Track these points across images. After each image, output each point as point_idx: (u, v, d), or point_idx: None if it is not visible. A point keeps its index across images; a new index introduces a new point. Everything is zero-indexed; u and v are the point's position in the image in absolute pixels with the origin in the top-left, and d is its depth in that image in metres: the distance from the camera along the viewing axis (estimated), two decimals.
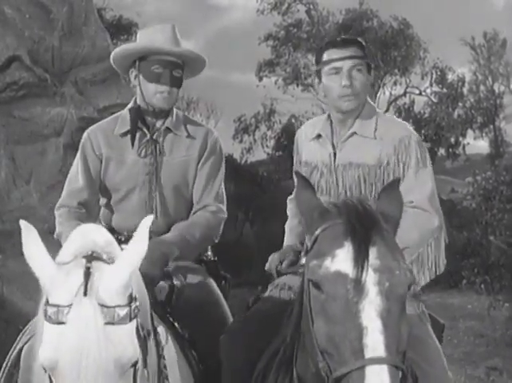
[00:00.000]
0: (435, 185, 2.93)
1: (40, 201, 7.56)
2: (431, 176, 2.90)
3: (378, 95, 22.19)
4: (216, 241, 3.29)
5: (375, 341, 1.99)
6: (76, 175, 3.21)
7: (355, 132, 2.92)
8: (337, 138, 2.97)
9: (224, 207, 3.25)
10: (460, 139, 22.61)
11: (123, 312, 2.02)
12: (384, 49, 20.90)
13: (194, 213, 3.23)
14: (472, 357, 9.44)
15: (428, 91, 22.81)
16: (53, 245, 3.20)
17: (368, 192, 2.87)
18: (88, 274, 2.02)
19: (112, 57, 3.25)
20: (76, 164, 3.23)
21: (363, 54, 2.92)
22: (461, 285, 12.17)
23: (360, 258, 2.06)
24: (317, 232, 2.21)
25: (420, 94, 22.77)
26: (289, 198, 3.24)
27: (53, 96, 7.98)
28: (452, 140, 22.33)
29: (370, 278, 2.05)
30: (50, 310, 2.01)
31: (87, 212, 3.19)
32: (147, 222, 2.13)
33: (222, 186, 3.28)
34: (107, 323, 1.99)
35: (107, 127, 3.23)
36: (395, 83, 22.30)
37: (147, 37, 3.18)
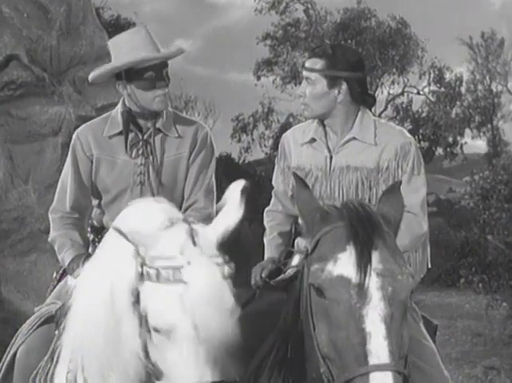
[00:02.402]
0: (432, 185, 2.95)
1: (38, 200, 7.56)
2: (423, 183, 2.91)
3: (376, 94, 22.18)
4: None
5: (379, 347, 1.99)
6: (67, 177, 3.20)
7: (354, 137, 2.91)
8: (332, 142, 2.95)
9: (213, 202, 3.24)
10: (458, 138, 22.62)
11: (229, 267, 2.14)
12: (381, 49, 20.90)
13: (183, 211, 3.21)
14: (470, 356, 9.45)
15: (426, 90, 22.83)
16: (50, 244, 3.21)
17: (365, 196, 2.85)
18: (191, 231, 2.12)
19: (92, 78, 3.22)
20: (68, 166, 3.23)
21: (322, 67, 2.89)
22: (459, 284, 12.19)
23: (363, 263, 2.05)
24: (318, 235, 2.20)
25: (418, 93, 22.79)
26: (266, 210, 3.19)
27: (51, 96, 7.97)
28: (450, 139, 22.33)
29: (373, 283, 2.05)
30: (165, 272, 2.06)
31: (80, 215, 3.19)
32: (239, 187, 2.24)
33: (213, 180, 3.27)
34: (223, 279, 2.10)
35: (96, 127, 3.22)
36: (392, 82, 22.31)
37: (124, 48, 3.11)
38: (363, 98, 2.97)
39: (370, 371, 1.98)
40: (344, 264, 2.07)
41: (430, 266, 2.98)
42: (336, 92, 2.89)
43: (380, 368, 1.98)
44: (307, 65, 2.94)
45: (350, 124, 2.93)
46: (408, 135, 2.97)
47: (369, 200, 2.81)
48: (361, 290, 2.04)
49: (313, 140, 2.98)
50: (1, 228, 7.42)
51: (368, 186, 2.86)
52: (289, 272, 2.81)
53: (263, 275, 2.89)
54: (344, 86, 2.89)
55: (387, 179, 2.84)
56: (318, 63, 2.90)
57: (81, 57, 8.30)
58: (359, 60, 2.99)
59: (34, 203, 7.57)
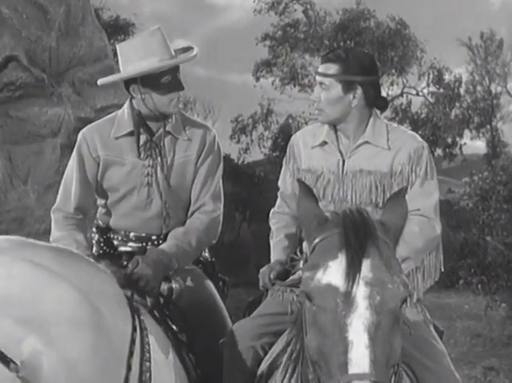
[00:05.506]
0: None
1: (37, 201, 7.56)
2: (436, 187, 2.92)
3: None
4: (214, 241, 3.29)
5: (359, 357, 1.98)
6: (71, 177, 3.19)
7: (367, 141, 2.91)
8: (344, 146, 2.95)
9: (221, 205, 3.25)
10: (457, 139, 22.61)
11: None
12: (380, 50, 20.89)
13: (191, 214, 3.23)
14: (469, 357, 9.46)
15: (425, 91, 22.83)
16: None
17: (379, 200, 2.85)
18: None
19: (103, 83, 3.23)
20: (72, 165, 3.21)
21: (336, 72, 2.88)
22: (458, 285, 12.18)
23: (352, 271, 2.04)
24: (315, 242, 2.19)
25: (417, 94, 22.79)
26: (272, 211, 3.18)
27: (50, 97, 7.97)
28: (449, 140, 22.33)
29: (360, 292, 2.03)
30: None
31: (83, 216, 3.20)
32: None
33: (220, 184, 3.27)
34: None
35: (103, 129, 3.21)
36: (392, 83, 22.27)
37: (139, 53, 3.08)
38: (376, 101, 2.97)
39: (349, 380, 1.97)
40: (333, 272, 2.06)
41: (443, 269, 2.98)
42: (351, 96, 2.89)
43: (359, 377, 1.96)
44: (320, 70, 2.93)
45: (362, 128, 2.93)
46: (420, 139, 2.97)
47: (382, 204, 2.80)
48: (348, 298, 2.03)
49: (325, 143, 2.98)
50: (1, 229, 7.41)
51: (382, 190, 2.86)
52: (299, 274, 2.81)
53: (271, 277, 2.90)
54: (359, 90, 2.89)
55: (401, 183, 2.83)
56: (332, 68, 2.89)
57: (80, 58, 8.30)
58: (372, 63, 2.99)
59: (33, 203, 7.57)
